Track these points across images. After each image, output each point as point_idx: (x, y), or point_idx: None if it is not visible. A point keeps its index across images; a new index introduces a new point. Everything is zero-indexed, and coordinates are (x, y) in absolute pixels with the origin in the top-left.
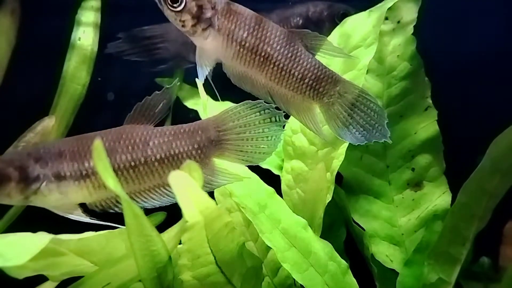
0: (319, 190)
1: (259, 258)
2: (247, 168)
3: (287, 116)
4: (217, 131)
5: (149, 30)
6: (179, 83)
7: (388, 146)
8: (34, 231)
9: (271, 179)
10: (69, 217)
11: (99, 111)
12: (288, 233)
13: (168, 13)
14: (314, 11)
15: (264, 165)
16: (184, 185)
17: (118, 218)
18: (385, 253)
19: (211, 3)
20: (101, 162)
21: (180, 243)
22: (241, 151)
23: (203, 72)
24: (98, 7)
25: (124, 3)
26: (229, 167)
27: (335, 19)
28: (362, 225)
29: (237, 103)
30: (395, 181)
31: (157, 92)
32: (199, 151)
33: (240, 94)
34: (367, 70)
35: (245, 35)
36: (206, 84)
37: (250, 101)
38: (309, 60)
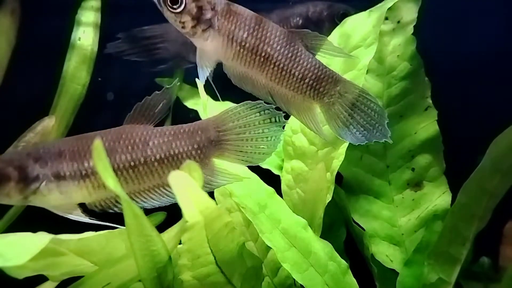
0: (319, 190)
1: (259, 258)
2: (247, 168)
3: (286, 117)
4: (217, 132)
5: (149, 30)
6: (179, 83)
7: (388, 146)
8: (34, 231)
9: (271, 179)
10: (68, 217)
11: (99, 111)
12: (288, 233)
13: (168, 14)
14: (314, 11)
15: (264, 165)
16: (184, 185)
17: (117, 218)
18: (385, 253)
19: (211, 4)
20: (101, 162)
21: (180, 243)
22: (241, 151)
23: (204, 73)
24: (98, 7)
25: (124, 3)
26: (229, 167)
27: (335, 19)
28: (362, 225)
29: (237, 103)
30: (395, 181)
31: (157, 92)
32: (198, 151)
33: (240, 94)
34: (367, 70)
35: (245, 35)
36: (207, 84)
37: (250, 101)
38: (310, 60)
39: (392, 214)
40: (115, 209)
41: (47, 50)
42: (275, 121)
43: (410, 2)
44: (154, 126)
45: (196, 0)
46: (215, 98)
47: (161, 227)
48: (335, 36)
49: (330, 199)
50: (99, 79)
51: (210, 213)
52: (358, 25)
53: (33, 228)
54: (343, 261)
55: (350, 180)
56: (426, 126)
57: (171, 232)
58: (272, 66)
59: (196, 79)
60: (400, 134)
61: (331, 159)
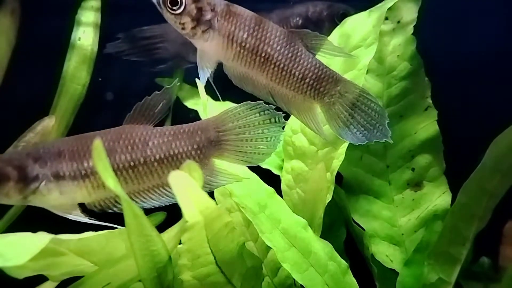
0: (319, 190)
1: (259, 258)
2: (247, 168)
3: (286, 117)
4: (217, 132)
5: (149, 30)
6: (179, 83)
7: (388, 146)
8: (34, 231)
9: (271, 179)
10: (67, 217)
11: (99, 111)
12: (288, 233)
13: (167, 16)
14: (314, 11)
15: (264, 165)
16: (184, 185)
17: (117, 218)
18: (385, 253)
19: (211, 5)
20: (101, 162)
21: (180, 243)
22: (241, 151)
23: (205, 74)
24: (98, 7)
25: (124, 3)
26: (229, 167)
27: (335, 19)
28: (362, 225)
29: (238, 103)
30: (395, 181)
31: (157, 92)
32: (198, 152)
33: (241, 94)
34: (367, 70)
35: (245, 36)
36: (207, 84)
37: (250, 102)
38: (310, 60)
39: (392, 214)
40: (115, 209)
41: (47, 50)
42: (275, 121)
43: (410, 2)
44: (154, 126)
45: (195, 1)
46: (215, 98)
47: (161, 227)
48: (335, 36)
49: (330, 199)
50: (100, 79)
51: (210, 213)
52: (358, 25)
53: (33, 228)
54: (343, 261)
55: (350, 180)
56: (426, 126)
57: (171, 232)
58: (272, 66)
59: (196, 79)
60: (400, 134)
61: (331, 159)
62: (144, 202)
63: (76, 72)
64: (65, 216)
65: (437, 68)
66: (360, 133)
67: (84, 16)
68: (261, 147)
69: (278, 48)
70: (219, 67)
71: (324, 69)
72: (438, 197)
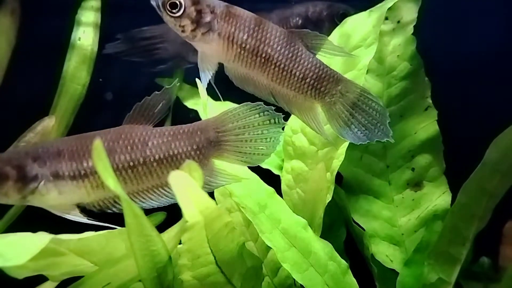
0: (319, 190)
1: (259, 258)
2: (247, 168)
3: (286, 118)
4: (216, 132)
5: (148, 30)
6: (178, 83)
7: (388, 146)
8: (34, 231)
9: (271, 179)
10: (66, 217)
11: (99, 111)
12: (288, 233)
13: (167, 18)
14: (314, 11)
15: (264, 165)
16: (184, 185)
17: (116, 219)
18: (385, 253)
19: (210, 7)
20: (101, 162)
21: (180, 243)
22: (240, 152)
23: (206, 76)
24: (98, 7)
25: (124, 3)
26: (229, 167)
27: (335, 19)
28: (362, 225)
29: (238, 103)
30: (395, 181)
31: (156, 92)
32: (198, 152)
33: (241, 94)
34: (367, 70)
35: (245, 37)
36: (208, 85)
37: (249, 103)
38: (310, 59)
39: (392, 214)
40: (114, 209)
41: (47, 50)
42: (275, 122)
43: (410, 2)
44: (154, 127)
45: (195, 4)
46: (216, 99)
47: (161, 227)
48: (335, 36)
49: (330, 199)
50: (100, 79)
51: (210, 213)
52: (358, 25)
53: (33, 228)
54: (343, 261)
55: (350, 180)
56: (426, 126)
57: (171, 232)
58: (273, 66)
59: (197, 79)
60: (400, 134)
61: (331, 159)
62: (143, 202)
63: (76, 72)
64: (64, 216)
65: (437, 68)
66: (361, 133)
67: (84, 16)
68: (261, 147)
69: (279, 48)
70: (220, 68)
71: (325, 68)
72: (438, 197)
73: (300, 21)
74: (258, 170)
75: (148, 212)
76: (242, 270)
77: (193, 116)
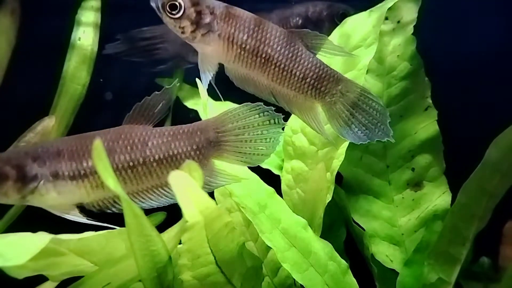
0: (319, 190)
1: (259, 258)
2: (247, 168)
3: (285, 119)
4: (216, 132)
5: (149, 31)
6: (178, 83)
7: (388, 146)
8: (34, 231)
9: (271, 179)
10: (65, 217)
11: (99, 111)
12: (288, 233)
13: (167, 20)
14: (314, 11)
15: (264, 165)
16: (184, 185)
17: (115, 218)
18: (385, 253)
19: (210, 8)
20: (101, 162)
21: (180, 243)
22: (240, 152)
23: (207, 77)
24: (98, 7)
25: (124, 3)
26: (229, 167)
27: (335, 19)
28: (362, 225)
29: (239, 103)
30: (395, 181)
31: (156, 92)
32: (197, 152)
33: (242, 95)
34: (367, 70)
35: (245, 37)
36: (209, 86)
37: (249, 103)
38: (310, 59)
39: (392, 214)
40: (113, 209)
41: (47, 50)
42: (274, 123)
43: (410, 2)
44: (154, 127)
45: (194, 5)
46: (217, 98)
47: (161, 227)
48: (335, 36)
49: (330, 199)
50: (101, 80)
51: (210, 213)
52: (358, 25)
53: (33, 228)
54: (343, 261)
55: (350, 180)
56: (426, 126)
57: (171, 232)
58: (273, 66)
59: (197, 79)
60: (400, 134)
61: (331, 159)
62: (142, 202)
63: (76, 72)
64: (63, 216)
65: (437, 68)
66: (361, 132)
67: (84, 16)
68: (260, 148)
69: (278, 48)
70: (221, 68)
71: (325, 68)
72: (438, 197)
73: (300, 21)
74: (258, 170)
75: (148, 212)
76: (242, 270)
77: (193, 116)
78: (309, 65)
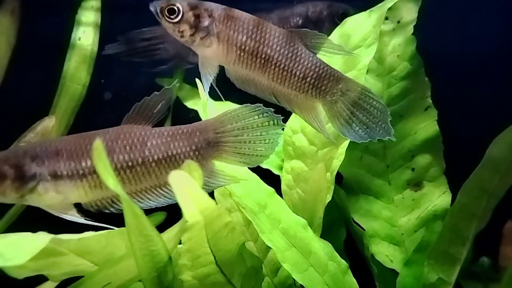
0: (319, 190)
1: (259, 258)
2: (247, 168)
3: (285, 120)
4: (215, 133)
5: (149, 31)
6: (178, 84)
7: (388, 146)
8: (34, 231)
9: (271, 179)
10: (63, 217)
11: (99, 111)
12: (288, 233)
13: (166, 24)
14: (314, 11)
15: (264, 165)
16: (184, 185)
17: (113, 219)
18: (385, 253)
19: (208, 11)
20: (101, 162)
21: (180, 243)
22: (239, 153)
23: (208, 80)
24: (98, 7)
25: (124, 3)
26: (229, 167)
27: (335, 19)
28: (362, 225)
29: (240, 104)
30: (395, 181)
31: (156, 92)
32: (196, 153)
33: (243, 95)
34: (367, 70)
35: (244, 39)
36: (210, 86)
37: (249, 104)
38: (310, 59)
39: (392, 214)
40: (111, 209)
41: (47, 50)
42: (274, 124)
43: (410, 2)
44: (153, 127)
45: (193, 9)
46: (218, 99)
47: (161, 227)
48: (335, 36)
49: (330, 199)
50: (102, 80)
51: (210, 213)
52: (358, 25)
53: (33, 228)
54: (343, 261)
55: (350, 180)
56: (426, 126)
57: (171, 232)
58: (273, 67)
59: (197, 79)
60: (400, 134)
61: (331, 159)
62: (141, 202)
63: (76, 72)
64: (61, 216)
65: (437, 68)
66: (362, 131)
67: (84, 16)
68: (259, 149)
69: (278, 48)
70: (222, 69)
71: (325, 67)
72: (438, 197)
73: (300, 21)
74: (258, 170)
75: (148, 212)
76: (242, 270)
77: (193, 116)
78: (309, 65)
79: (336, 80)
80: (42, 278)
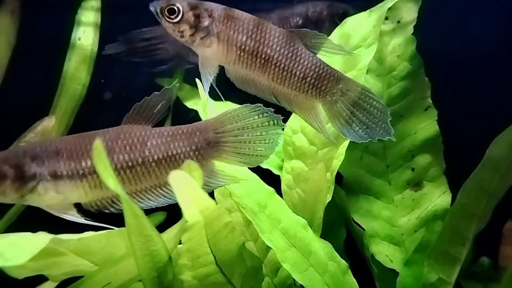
0: (319, 190)
1: (259, 258)
2: (247, 168)
3: (285, 120)
4: (215, 133)
5: (149, 31)
6: (178, 84)
7: (388, 146)
8: (34, 231)
9: (271, 179)
10: (63, 217)
11: (99, 111)
12: (288, 233)
13: (166, 24)
14: (314, 11)
15: (264, 165)
16: (184, 184)
17: (112, 219)
18: (385, 253)
19: (208, 11)
20: (101, 162)
21: (180, 243)
22: (239, 153)
23: (208, 81)
24: (98, 7)
25: (124, 3)
26: (229, 167)
27: (335, 19)
28: (362, 225)
29: (240, 103)
30: (395, 181)
31: (156, 92)
32: (196, 153)
33: (243, 95)
34: (367, 70)
35: (244, 39)
36: (210, 86)
37: (249, 104)
38: (310, 59)
39: (392, 214)
40: (111, 209)
41: (47, 50)
42: (274, 124)
43: (410, 2)
44: (153, 127)
45: (193, 9)
46: (218, 99)
47: (161, 227)
48: (335, 36)
49: (330, 199)
50: (102, 81)
51: (210, 213)
52: (358, 25)
53: (33, 228)
54: (343, 261)
55: (350, 180)
56: (426, 126)
57: (171, 232)
58: (273, 67)
59: (196, 79)
60: (400, 134)
61: (331, 159)
62: (141, 202)
63: (76, 72)
64: (61, 216)
65: (437, 68)
66: (362, 131)
67: (84, 16)
68: (259, 149)
69: (278, 48)
70: (222, 69)
71: (325, 67)
72: (438, 197)
73: (300, 21)
74: (258, 170)
75: (148, 212)
76: (242, 270)
77: (193, 116)
78: (309, 65)
79: (336, 80)
80: (42, 278)
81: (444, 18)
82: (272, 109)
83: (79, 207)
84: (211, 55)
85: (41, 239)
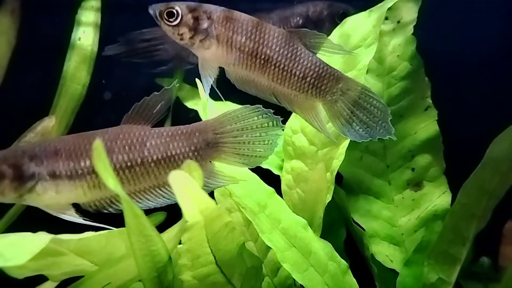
0: (319, 190)
1: (259, 258)
2: (247, 168)
3: (284, 121)
4: (215, 134)
5: (149, 32)
6: (178, 84)
7: (388, 146)
8: (34, 231)
9: (271, 179)
10: (62, 217)
11: (99, 111)
12: (288, 233)
13: (165, 28)
14: (314, 11)
15: (264, 165)
16: (184, 185)
17: (113, 219)
18: (385, 253)
19: (207, 13)
20: (101, 162)
21: (180, 243)
22: (238, 154)
23: (208, 82)
24: (98, 7)
25: (124, 3)
26: (229, 167)
27: (335, 19)
28: (362, 225)
29: (240, 104)
30: (395, 181)
31: (155, 93)
32: (195, 153)
33: (244, 95)
34: (367, 70)
35: (243, 40)
36: (210, 87)
37: (248, 105)
38: (310, 58)
39: (392, 214)
40: (110, 209)
41: (47, 50)
42: (273, 125)
43: (410, 2)
44: (153, 127)
45: (192, 11)
46: (218, 99)
47: (161, 227)
48: (335, 36)
49: (330, 199)
50: (103, 81)
51: (210, 213)
52: (358, 25)
53: (33, 228)
54: (343, 261)
55: (350, 180)
56: (426, 126)
57: (171, 232)
58: (273, 67)
59: (196, 79)
60: (400, 134)
61: (331, 159)
62: (140, 202)
63: (76, 72)
64: (59, 216)
65: (437, 68)
66: (362, 130)
67: (84, 16)
68: (259, 150)
69: (278, 49)
70: (222, 70)
71: (325, 67)
72: (438, 197)
73: (300, 21)
74: (258, 170)
75: (148, 212)
76: (242, 270)
77: (193, 116)
78: (309, 65)
79: (336, 80)
80: (42, 278)
81: (444, 18)
82: (272, 110)
83: (77, 207)
84: (210, 57)
85: (41, 239)
